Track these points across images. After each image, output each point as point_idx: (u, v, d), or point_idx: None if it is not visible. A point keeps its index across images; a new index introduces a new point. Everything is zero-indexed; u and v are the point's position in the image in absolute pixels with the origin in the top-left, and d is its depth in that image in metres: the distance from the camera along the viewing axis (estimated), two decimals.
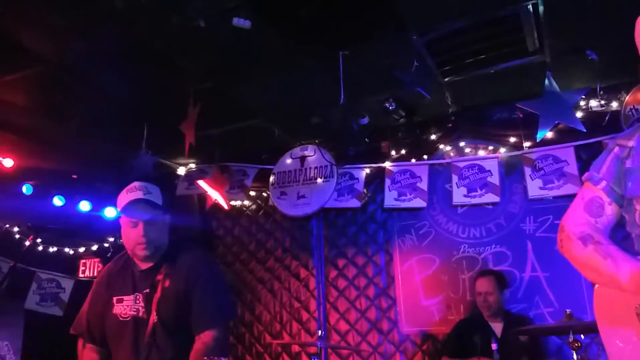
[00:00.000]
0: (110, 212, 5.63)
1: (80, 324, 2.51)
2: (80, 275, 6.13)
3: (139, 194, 2.39)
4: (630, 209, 1.66)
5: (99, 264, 6.12)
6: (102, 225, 5.74)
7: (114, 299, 2.45)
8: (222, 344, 2.31)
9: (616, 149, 1.73)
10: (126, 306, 2.41)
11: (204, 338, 2.28)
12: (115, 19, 3.08)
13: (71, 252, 6.01)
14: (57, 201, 5.13)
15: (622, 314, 1.57)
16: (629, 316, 1.53)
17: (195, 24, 3.17)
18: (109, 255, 5.98)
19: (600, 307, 1.71)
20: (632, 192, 1.63)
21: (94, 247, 6.05)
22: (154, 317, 2.29)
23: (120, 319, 2.40)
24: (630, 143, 1.69)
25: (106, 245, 6.02)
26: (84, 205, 5.45)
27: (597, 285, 1.75)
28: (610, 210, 1.71)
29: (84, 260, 6.24)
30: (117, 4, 2.93)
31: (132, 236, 2.38)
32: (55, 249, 5.84)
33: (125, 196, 2.41)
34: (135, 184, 2.44)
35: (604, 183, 1.72)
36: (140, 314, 2.37)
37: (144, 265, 2.45)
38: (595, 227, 1.69)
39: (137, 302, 2.39)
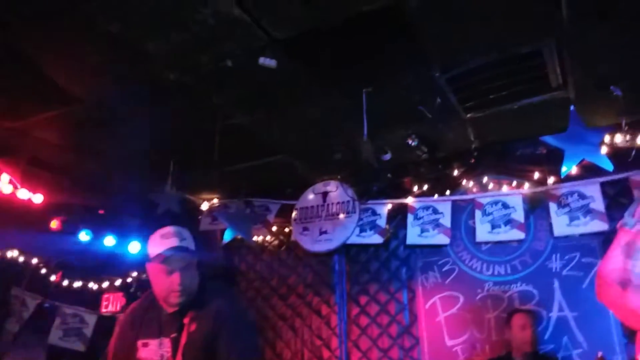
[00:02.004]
0: (134, 247, 5.70)
1: None
2: (103, 310, 6.15)
3: (174, 241, 2.35)
4: None
5: (122, 299, 6.15)
6: (126, 260, 5.81)
7: (139, 342, 2.41)
8: None
9: None
10: (151, 350, 2.37)
11: None
12: (146, 58, 3.18)
13: (95, 287, 6.05)
14: (84, 236, 5.21)
15: None
16: None
17: (224, 63, 3.27)
18: (131, 290, 6.02)
19: None
20: None
21: (118, 282, 6.08)
22: None
23: None
24: None
25: (129, 280, 6.05)
26: (109, 240, 5.53)
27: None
28: None
29: (107, 295, 6.27)
30: (149, 49, 3.05)
31: (166, 285, 2.34)
32: (80, 283, 5.89)
33: (160, 242, 2.37)
34: (170, 229, 2.41)
35: (638, 226, 1.70)
36: (166, 359, 2.33)
37: (171, 309, 2.40)
38: (634, 271, 1.66)
39: (163, 346, 2.35)
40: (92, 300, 6.11)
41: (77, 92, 3.54)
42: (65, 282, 5.78)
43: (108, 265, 5.92)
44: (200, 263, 2.50)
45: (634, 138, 4.04)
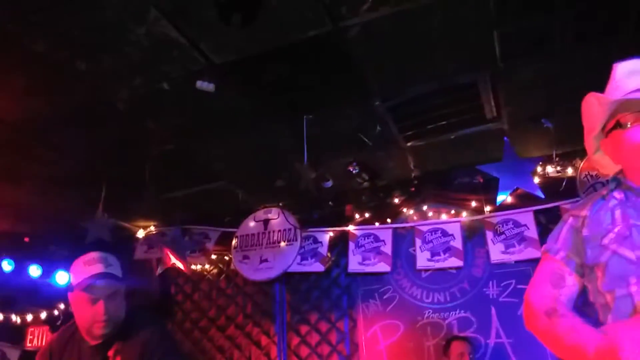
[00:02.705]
0: (61, 278, 5.39)
1: None
2: (28, 344, 5.77)
3: (99, 268, 2.18)
4: (592, 277, 1.63)
5: (48, 333, 5.78)
6: (52, 291, 5.48)
7: None
8: None
9: (570, 219, 1.73)
10: None
11: None
12: (77, 79, 3.03)
13: (18, 320, 5.66)
14: (6, 266, 4.88)
15: None
16: None
17: (159, 86, 3.17)
18: (58, 323, 5.66)
19: None
20: (592, 260, 1.61)
21: (43, 315, 5.72)
22: None
23: None
24: (584, 212, 1.69)
25: (56, 312, 5.70)
26: (34, 270, 5.20)
27: None
28: (572, 280, 1.68)
29: (32, 329, 5.89)
30: (79, 67, 2.91)
31: (89, 314, 2.16)
32: (1, 317, 5.49)
33: (83, 269, 2.19)
34: (94, 254, 2.24)
35: (562, 253, 1.70)
36: None
37: (94, 341, 2.21)
38: (560, 300, 1.65)
39: None
40: (16, 334, 5.72)
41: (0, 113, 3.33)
42: None
43: (33, 296, 5.56)
44: (128, 291, 2.32)
45: (564, 169, 4.21)
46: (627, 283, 1.50)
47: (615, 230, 1.56)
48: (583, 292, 1.70)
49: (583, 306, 1.73)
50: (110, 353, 2.17)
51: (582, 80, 3.32)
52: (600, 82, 3.37)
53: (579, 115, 3.75)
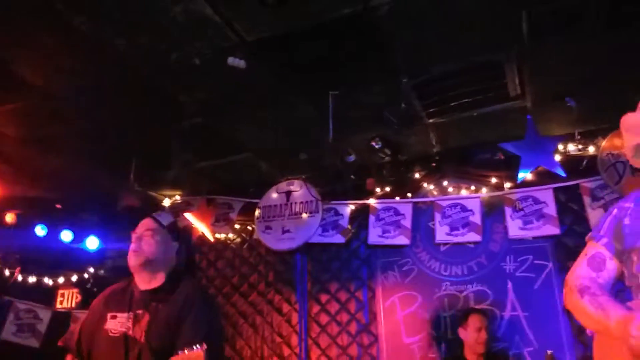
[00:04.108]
0: (92, 243, 5.60)
1: (71, 338, 2.56)
2: (58, 306, 6.01)
3: (150, 216, 2.61)
4: (628, 262, 1.83)
5: (78, 295, 6.03)
6: (83, 255, 5.70)
7: (109, 315, 2.48)
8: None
9: (615, 210, 1.93)
10: (119, 323, 2.43)
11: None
12: (117, 56, 3.14)
13: (50, 282, 5.90)
14: (40, 230, 5.08)
15: (616, 357, 1.71)
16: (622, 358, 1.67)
17: (192, 62, 3.26)
18: (88, 286, 5.91)
19: (597, 352, 1.86)
20: (630, 245, 1.81)
21: (74, 278, 5.95)
22: (142, 338, 2.33)
23: (110, 334, 2.41)
24: (627, 204, 1.90)
25: (86, 276, 5.93)
26: (66, 235, 5.41)
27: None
28: (612, 265, 1.88)
29: (62, 291, 6.13)
30: (119, 44, 3.02)
31: (130, 248, 2.52)
32: (34, 279, 5.73)
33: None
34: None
35: (605, 240, 1.90)
36: (131, 333, 2.38)
37: (144, 287, 2.51)
38: (596, 281, 1.86)
39: (130, 320, 2.41)
40: (47, 295, 5.97)
41: (41, 86, 3.46)
42: (20, 277, 5.62)
43: (64, 260, 5.78)
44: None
45: (585, 147, 4.25)
46: None
47: None
48: (620, 279, 1.91)
49: (619, 292, 1.95)
50: (155, 300, 2.44)
51: (609, 63, 3.39)
52: (626, 66, 3.42)
53: (603, 94, 3.81)
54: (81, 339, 2.50)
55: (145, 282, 2.52)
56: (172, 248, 2.59)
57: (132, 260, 2.51)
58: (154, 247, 2.52)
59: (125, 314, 2.44)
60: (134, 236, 2.56)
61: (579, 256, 1.98)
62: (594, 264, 1.88)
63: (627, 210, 1.87)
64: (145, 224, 2.58)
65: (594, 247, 1.92)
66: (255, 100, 3.84)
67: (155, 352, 2.31)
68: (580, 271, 1.91)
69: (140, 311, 2.42)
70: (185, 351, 2.06)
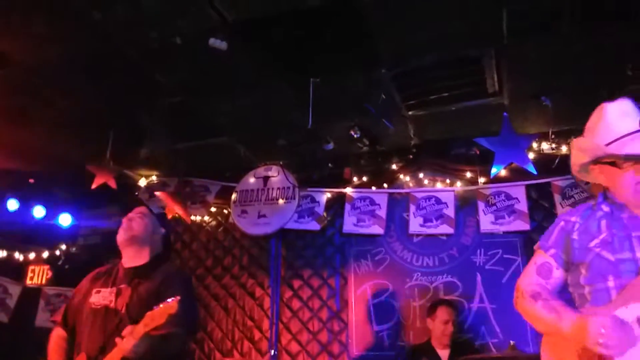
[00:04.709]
0: (65, 220, 5.54)
1: (60, 312, 2.79)
2: (28, 282, 5.95)
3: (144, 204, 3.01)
4: (576, 273, 1.99)
5: (48, 272, 5.97)
6: (54, 232, 5.64)
7: (94, 290, 2.69)
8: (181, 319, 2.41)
9: (562, 222, 2.08)
10: (102, 297, 2.63)
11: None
12: (93, 28, 3.10)
13: (21, 257, 5.84)
14: (12, 204, 5.01)
15: (564, 356, 1.88)
16: (570, 357, 1.84)
17: (172, 40, 3.23)
18: (59, 263, 5.86)
19: (546, 351, 2.00)
20: (579, 259, 1.97)
21: (45, 254, 5.90)
22: (123, 309, 2.52)
23: (93, 306, 2.61)
24: (573, 218, 2.04)
25: (58, 253, 5.88)
26: (39, 211, 5.34)
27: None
28: (558, 273, 2.04)
29: (32, 267, 6.07)
30: (95, 16, 2.97)
31: (121, 226, 2.79)
32: (4, 253, 5.66)
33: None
34: None
35: (552, 250, 2.06)
36: (112, 305, 2.57)
37: (128, 264, 2.73)
38: (545, 288, 2.02)
39: (112, 294, 2.61)
40: (17, 271, 5.90)
41: (15, 56, 3.39)
42: None
43: (35, 236, 5.73)
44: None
45: (559, 146, 4.34)
46: (605, 279, 1.86)
47: (601, 237, 1.92)
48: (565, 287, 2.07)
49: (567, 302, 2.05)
50: (138, 276, 2.66)
51: (585, 62, 3.45)
52: (601, 65, 3.49)
53: (578, 95, 3.87)
54: (67, 313, 2.73)
55: (130, 258, 2.74)
56: (159, 233, 2.87)
57: (121, 235, 2.76)
58: (142, 227, 2.79)
59: (109, 289, 2.64)
60: (125, 219, 2.82)
61: (528, 263, 2.15)
62: (542, 272, 2.05)
63: (574, 225, 2.02)
64: (137, 210, 2.89)
65: (543, 257, 2.08)
66: (235, 83, 3.83)
67: (134, 322, 2.43)
68: (530, 278, 2.07)
69: (123, 286, 2.63)
70: (161, 305, 2.27)
